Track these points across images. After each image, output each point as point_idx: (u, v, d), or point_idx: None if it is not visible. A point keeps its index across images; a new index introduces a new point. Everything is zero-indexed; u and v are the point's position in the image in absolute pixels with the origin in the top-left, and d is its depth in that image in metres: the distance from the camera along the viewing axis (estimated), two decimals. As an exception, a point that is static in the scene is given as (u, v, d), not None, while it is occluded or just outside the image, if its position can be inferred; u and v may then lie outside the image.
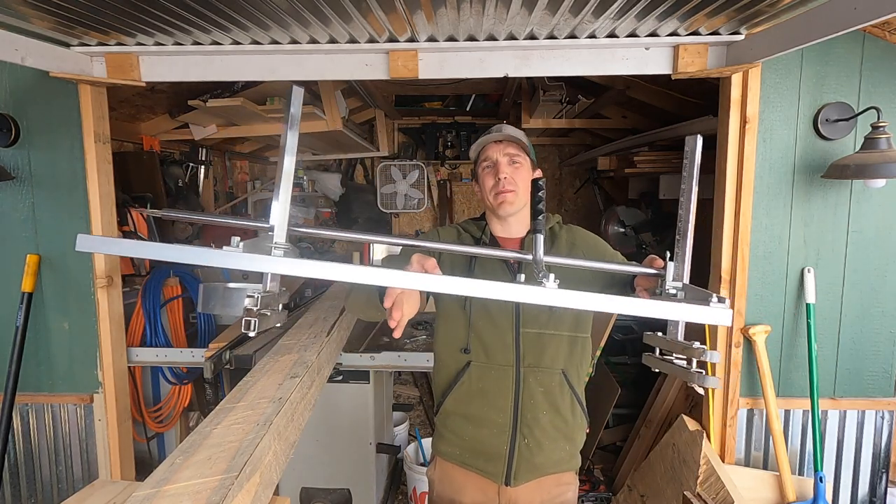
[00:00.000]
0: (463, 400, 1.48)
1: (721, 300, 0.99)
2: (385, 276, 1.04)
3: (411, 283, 1.05)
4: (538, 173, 1.54)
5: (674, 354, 1.11)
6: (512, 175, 1.45)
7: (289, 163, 1.15)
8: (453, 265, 1.49)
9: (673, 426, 2.40)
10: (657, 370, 1.14)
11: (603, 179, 5.26)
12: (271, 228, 1.14)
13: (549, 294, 1.02)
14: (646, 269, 1.24)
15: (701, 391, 2.31)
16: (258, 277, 1.14)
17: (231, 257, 1.02)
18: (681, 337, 1.09)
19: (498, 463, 1.45)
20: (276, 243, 1.13)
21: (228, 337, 2.55)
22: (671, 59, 2.02)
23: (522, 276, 1.05)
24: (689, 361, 1.06)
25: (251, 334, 1.06)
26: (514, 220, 1.51)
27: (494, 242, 1.52)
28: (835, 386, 2.18)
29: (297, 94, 1.13)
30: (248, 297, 1.07)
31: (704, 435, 2.17)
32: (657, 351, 1.15)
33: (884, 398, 2.18)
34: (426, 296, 1.45)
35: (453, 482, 1.54)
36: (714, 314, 0.99)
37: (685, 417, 2.34)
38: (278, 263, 1.05)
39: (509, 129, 1.50)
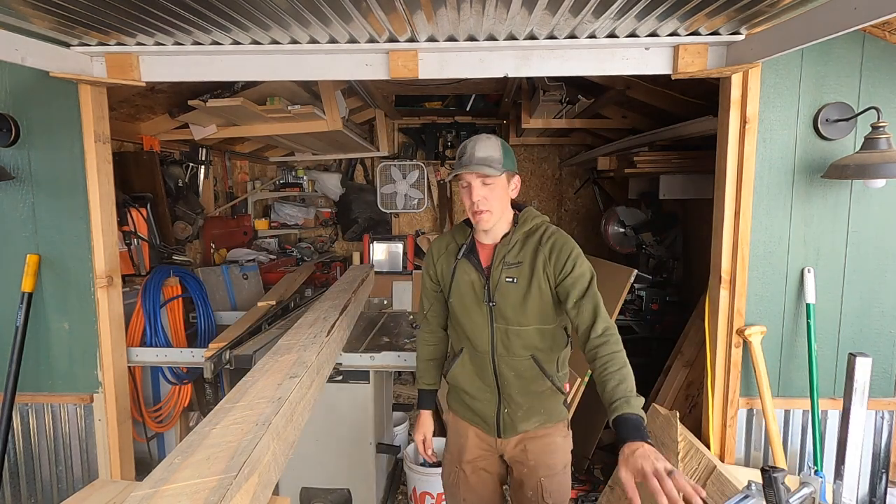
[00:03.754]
0: (460, 376, 1.80)
1: None
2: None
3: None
4: (517, 180, 1.68)
5: None
6: (485, 196, 1.60)
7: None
8: (443, 268, 1.79)
9: (646, 417, 2.42)
10: None
11: (603, 179, 5.26)
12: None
13: None
14: None
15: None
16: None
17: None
18: None
19: (490, 423, 1.78)
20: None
21: (228, 337, 2.54)
22: (671, 59, 2.02)
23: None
24: None
25: None
26: (495, 227, 1.69)
27: (473, 247, 1.74)
28: (835, 386, 2.18)
29: None
30: None
31: (677, 415, 2.19)
32: None
33: (884, 398, 2.18)
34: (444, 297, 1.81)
35: (460, 434, 1.87)
36: None
37: (656, 405, 2.38)
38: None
39: (480, 151, 1.59)
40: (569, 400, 1.89)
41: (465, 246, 1.74)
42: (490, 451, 1.83)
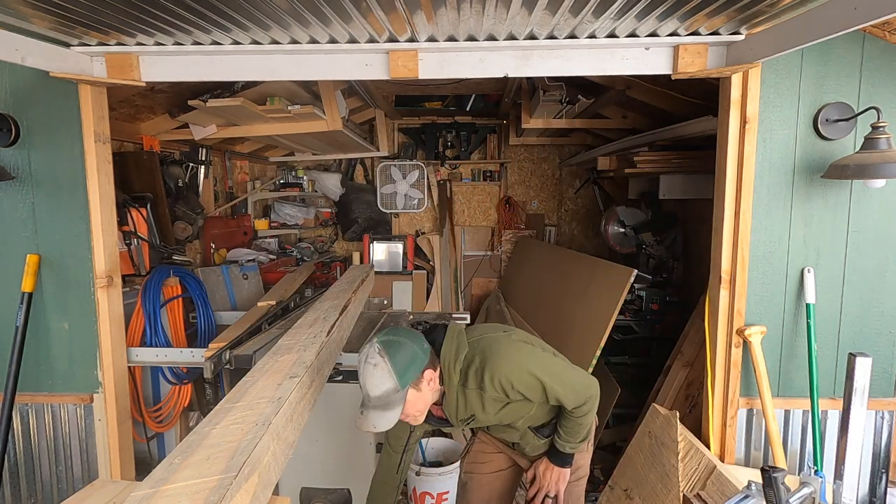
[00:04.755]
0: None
1: None
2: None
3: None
4: (428, 374, 1.51)
5: None
6: (403, 415, 1.50)
7: None
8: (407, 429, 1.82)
9: (646, 417, 2.42)
10: None
11: (603, 179, 5.26)
12: None
13: None
14: None
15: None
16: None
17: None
18: None
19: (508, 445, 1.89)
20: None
21: (228, 337, 2.54)
22: (671, 59, 2.02)
23: None
24: None
25: None
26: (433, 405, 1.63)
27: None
28: (834, 386, 2.18)
29: None
30: None
31: (677, 415, 2.19)
32: None
33: (884, 398, 2.18)
34: None
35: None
36: None
37: (655, 405, 2.38)
38: None
39: (374, 390, 1.43)
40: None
41: None
42: (506, 448, 1.92)
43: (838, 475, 2.07)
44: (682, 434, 2.17)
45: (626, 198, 4.74)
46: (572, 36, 1.98)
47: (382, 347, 1.45)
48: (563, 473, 1.75)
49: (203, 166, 4.12)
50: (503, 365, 1.53)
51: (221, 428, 1.23)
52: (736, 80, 2.03)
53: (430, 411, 1.64)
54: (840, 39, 1.96)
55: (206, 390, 2.85)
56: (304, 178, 5.45)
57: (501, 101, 4.48)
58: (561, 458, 1.74)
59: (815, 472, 2.09)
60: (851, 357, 2.00)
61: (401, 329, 1.54)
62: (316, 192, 5.57)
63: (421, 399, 1.52)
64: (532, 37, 1.99)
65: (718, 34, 1.94)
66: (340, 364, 2.44)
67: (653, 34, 1.97)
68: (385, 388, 1.42)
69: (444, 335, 1.59)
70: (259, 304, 3.13)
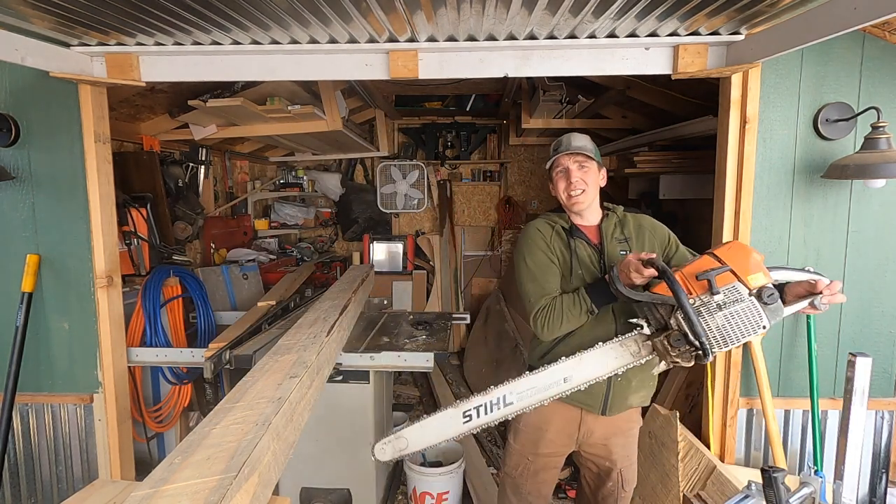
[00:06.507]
0: (574, 344, 1.79)
1: None
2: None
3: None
4: (604, 173, 1.91)
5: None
6: (582, 178, 1.82)
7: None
8: (561, 249, 1.87)
9: (646, 417, 2.41)
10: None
11: (603, 179, 5.26)
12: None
13: None
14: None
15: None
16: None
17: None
18: None
19: (597, 400, 1.84)
20: None
21: (228, 337, 2.54)
22: (671, 59, 2.02)
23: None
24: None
25: None
26: (587, 212, 1.88)
27: (576, 230, 1.89)
28: (834, 386, 2.18)
29: None
30: None
31: (677, 415, 2.18)
32: None
33: (884, 398, 2.18)
34: (569, 269, 1.84)
35: (539, 427, 1.93)
36: None
37: (656, 405, 2.37)
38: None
39: (577, 142, 1.83)
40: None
41: (571, 229, 1.88)
42: (567, 446, 1.95)
43: (838, 475, 2.07)
44: (682, 434, 2.17)
45: (626, 198, 4.74)
46: (572, 36, 1.98)
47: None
48: None
49: (203, 166, 4.12)
50: (654, 221, 1.94)
51: (221, 428, 1.23)
52: (736, 80, 2.03)
53: (584, 233, 1.87)
54: (840, 39, 1.96)
55: (206, 390, 2.85)
56: (304, 178, 5.45)
57: (501, 101, 4.49)
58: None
59: (815, 472, 2.09)
60: (851, 357, 2.00)
61: None
62: (316, 192, 5.57)
63: (596, 177, 1.86)
64: (532, 37, 1.99)
65: (718, 34, 1.94)
66: (340, 364, 2.44)
67: (653, 34, 1.97)
68: (585, 144, 1.83)
69: None
70: (259, 304, 3.14)
